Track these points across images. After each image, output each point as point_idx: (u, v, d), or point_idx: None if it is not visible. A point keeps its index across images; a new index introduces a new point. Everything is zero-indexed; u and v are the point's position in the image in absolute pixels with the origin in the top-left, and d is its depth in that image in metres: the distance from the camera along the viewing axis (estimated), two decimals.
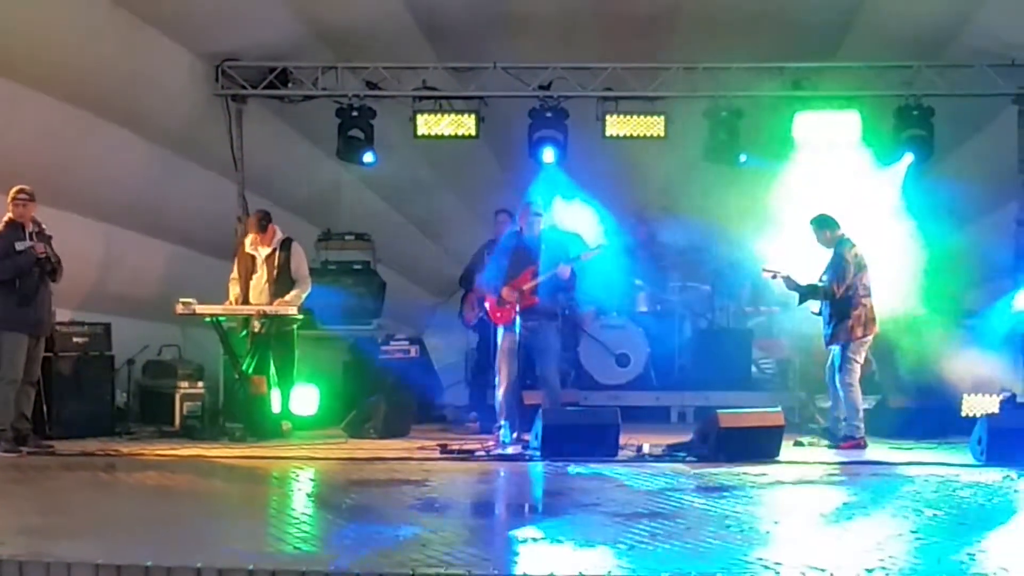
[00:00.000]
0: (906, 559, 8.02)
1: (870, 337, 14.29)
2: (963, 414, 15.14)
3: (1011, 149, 16.56)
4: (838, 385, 14.25)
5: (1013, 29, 15.33)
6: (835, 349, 14.27)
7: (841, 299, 14.11)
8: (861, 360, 14.27)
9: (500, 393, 14.31)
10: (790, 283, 14.53)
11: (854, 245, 14.35)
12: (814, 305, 14.53)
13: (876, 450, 13.96)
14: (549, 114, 16.73)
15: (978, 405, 15.17)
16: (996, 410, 14.81)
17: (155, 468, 12.29)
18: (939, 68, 16.45)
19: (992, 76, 16.27)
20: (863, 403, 14.39)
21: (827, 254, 14.48)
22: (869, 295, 14.28)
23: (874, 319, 14.27)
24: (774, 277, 14.64)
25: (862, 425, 14.20)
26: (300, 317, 15.06)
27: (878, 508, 10.47)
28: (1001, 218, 17.16)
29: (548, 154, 16.69)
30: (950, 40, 16.02)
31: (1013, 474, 11.85)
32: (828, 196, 15.44)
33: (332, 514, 10.03)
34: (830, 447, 14.21)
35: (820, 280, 14.35)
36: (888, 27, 15.69)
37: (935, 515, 9.89)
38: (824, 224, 14.53)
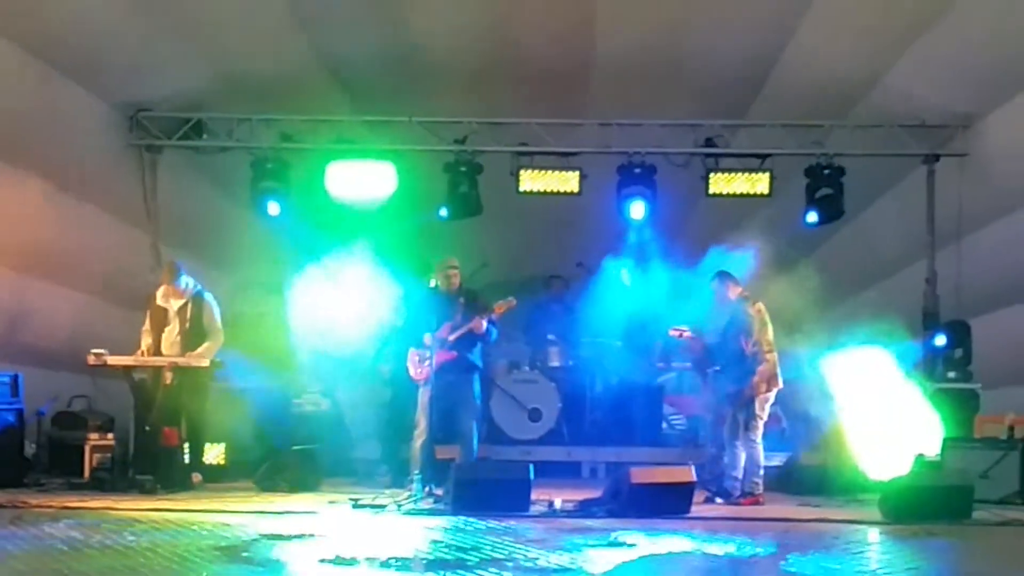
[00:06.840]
0: None
1: (774, 392, 14.38)
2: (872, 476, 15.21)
3: (921, 208, 16.77)
4: (743, 442, 14.29)
5: (923, 90, 15.58)
6: (739, 407, 14.32)
7: (748, 356, 14.19)
8: (766, 416, 14.35)
9: (416, 446, 14.31)
10: (697, 343, 14.55)
11: (756, 301, 14.43)
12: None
13: (786, 507, 14.02)
14: (464, 168, 16.84)
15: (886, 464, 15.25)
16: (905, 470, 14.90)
17: (64, 520, 12.14)
18: (850, 128, 16.68)
19: (903, 136, 16.51)
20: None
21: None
22: (773, 351, 14.37)
23: (777, 375, 14.36)
24: (680, 336, 14.67)
25: (761, 482, 14.29)
26: (212, 368, 15.01)
27: (788, 562, 10.55)
28: (910, 276, 17.34)
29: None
30: (861, 100, 16.24)
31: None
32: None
33: (243, 569, 9.95)
34: (728, 503, 14.22)
35: (720, 337, 14.40)
36: (799, 86, 15.86)
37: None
38: (727, 279, 14.60)
